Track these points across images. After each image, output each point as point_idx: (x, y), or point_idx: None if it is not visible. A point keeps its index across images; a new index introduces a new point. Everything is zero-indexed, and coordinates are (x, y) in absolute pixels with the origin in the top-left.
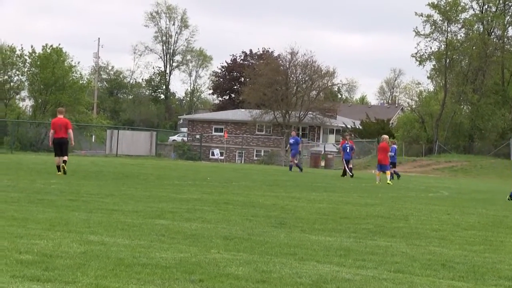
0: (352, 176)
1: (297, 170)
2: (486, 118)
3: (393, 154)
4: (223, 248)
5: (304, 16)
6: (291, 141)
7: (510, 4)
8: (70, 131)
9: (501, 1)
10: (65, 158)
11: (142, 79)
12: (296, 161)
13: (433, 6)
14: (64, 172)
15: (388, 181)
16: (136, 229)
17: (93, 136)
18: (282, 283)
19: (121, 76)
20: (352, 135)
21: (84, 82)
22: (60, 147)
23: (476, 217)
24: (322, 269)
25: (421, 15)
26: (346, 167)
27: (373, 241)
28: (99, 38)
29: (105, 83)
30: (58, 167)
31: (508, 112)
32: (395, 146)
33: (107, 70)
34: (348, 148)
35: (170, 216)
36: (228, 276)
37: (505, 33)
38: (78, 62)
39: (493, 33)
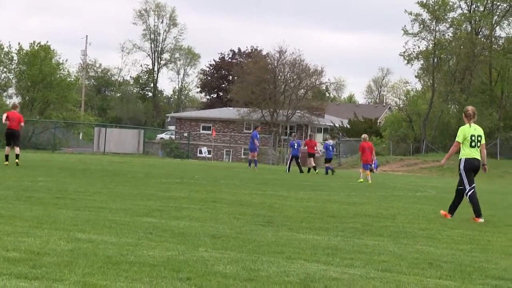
0: (301, 172)
1: (253, 167)
2: None
3: (324, 150)
4: (211, 246)
5: (293, 15)
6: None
7: (498, 3)
8: (22, 124)
9: (489, 1)
10: (17, 151)
11: (130, 77)
12: (249, 157)
13: (422, 5)
14: (17, 164)
15: (361, 179)
16: (124, 227)
17: (81, 134)
18: (270, 282)
19: (108, 73)
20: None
21: (72, 79)
22: (12, 138)
23: (463, 216)
24: (310, 267)
25: (410, 13)
26: (289, 163)
27: (361, 240)
28: (87, 36)
29: (92, 80)
30: (7, 157)
31: (495, 112)
32: (331, 142)
33: (95, 68)
34: (296, 144)
35: (158, 214)
36: (215, 274)
37: (493, 33)
38: (66, 60)
39: (481, 33)
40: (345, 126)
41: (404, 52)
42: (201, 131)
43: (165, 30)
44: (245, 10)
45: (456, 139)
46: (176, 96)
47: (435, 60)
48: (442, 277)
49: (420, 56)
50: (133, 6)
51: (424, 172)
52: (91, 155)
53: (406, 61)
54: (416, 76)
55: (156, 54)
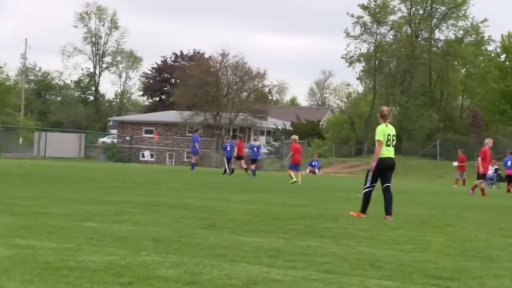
0: (230, 174)
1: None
2: (414, 119)
3: (248, 151)
4: (152, 250)
5: (236, 17)
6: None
7: (437, 7)
8: None
9: (428, 4)
10: None
11: (71, 81)
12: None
13: (364, 7)
14: None
15: (294, 179)
16: (65, 232)
17: (20, 139)
18: (213, 285)
19: (49, 77)
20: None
21: (11, 83)
22: None
23: (404, 217)
24: (252, 270)
25: (352, 16)
26: (226, 165)
27: (303, 241)
28: (26, 39)
29: (32, 84)
30: None
31: (435, 113)
32: (256, 143)
33: (35, 71)
34: (229, 147)
35: (99, 219)
36: (157, 278)
37: (432, 36)
38: (5, 63)
39: (420, 36)
40: (287, 128)
41: (346, 55)
42: (144, 135)
43: (106, 33)
44: (187, 13)
45: (377, 139)
46: (118, 100)
47: (376, 63)
48: (383, 277)
49: (361, 58)
50: (74, 9)
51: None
52: (31, 160)
53: (348, 64)
54: (357, 79)
55: (97, 57)
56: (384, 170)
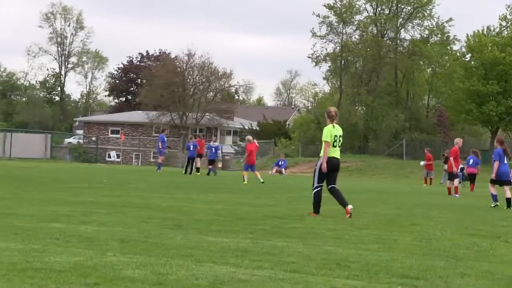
0: (191, 174)
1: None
2: (380, 119)
3: (207, 151)
4: (119, 251)
5: (202, 18)
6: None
7: (402, 6)
8: None
9: (393, 4)
10: None
11: (36, 81)
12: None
13: (329, 7)
14: None
15: (246, 182)
16: (30, 233)
17: None
18: (179, 285)
19: (14, 77)
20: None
21: None
22: None
23: (371, 216)
24: (219, 270)
25: (318, 15)
26: (195, 165)
27: (270, 241)
28: None
29: None
30: None
31: (401, 113)
32: (215, 144)
33: (0, 72)
34: (192, 146)
35: (65, 220)
36: (124, 279)
37: (398, 35)
38: None
39: (386, 35)
40: (254, 128)
41: (312, 54)
42: (110, 135)
43: (72, 33)
44: (153, 13)
45: (324, 139)
46: (84, 100)
47: (343, 62)
48: (350, 277)
49: (327, 58)
50: (39, 9)
51: None
52: None
53: (314, 63)
54: (324, 78)
55: (63, 57)
56: (330, 170)
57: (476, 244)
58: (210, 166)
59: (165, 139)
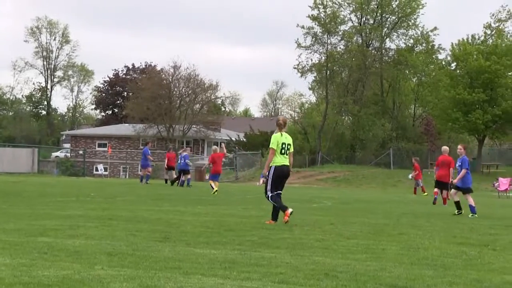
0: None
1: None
2: (367, 129)
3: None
4: (107, 264)
5: (187, 30)
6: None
7: (387, 16)
8: None
9: (378, 14)
10: None
11: (23, 95)
12: (141, 173)
13: (314, 18)
14: None
15: (216, 189)
16: (18, 248)
17: None
18: None
19: (0, 92)
20: (236, 147)
21: None
22: None
23: (358, 226)
24: (207, 282)
25: (303, 27)
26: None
27: (258, 252)
28: None
29: None
30: None
31: (387, 122)
32: (184, 153)
33: None
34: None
35: (53, 234)
36: None
37: (383, 45)
38: None
39: (371, 45)
40: (241, 139)
41: (297, 65)
42: (97, 148)
43: (57, 47)
44: (138, 26)
45: (271, 147)
46: (70, 114)
47: (328, 73)
48: (338, 286)
49: (313, 68)
50: (24, 24)
51: (320, 184)
52: None
53: (300, 74)
54: (310, 89)
55: (49, 71)
56: (281, 177)
57: (464, 253)
58: (183, 178)
59: (149, 152)
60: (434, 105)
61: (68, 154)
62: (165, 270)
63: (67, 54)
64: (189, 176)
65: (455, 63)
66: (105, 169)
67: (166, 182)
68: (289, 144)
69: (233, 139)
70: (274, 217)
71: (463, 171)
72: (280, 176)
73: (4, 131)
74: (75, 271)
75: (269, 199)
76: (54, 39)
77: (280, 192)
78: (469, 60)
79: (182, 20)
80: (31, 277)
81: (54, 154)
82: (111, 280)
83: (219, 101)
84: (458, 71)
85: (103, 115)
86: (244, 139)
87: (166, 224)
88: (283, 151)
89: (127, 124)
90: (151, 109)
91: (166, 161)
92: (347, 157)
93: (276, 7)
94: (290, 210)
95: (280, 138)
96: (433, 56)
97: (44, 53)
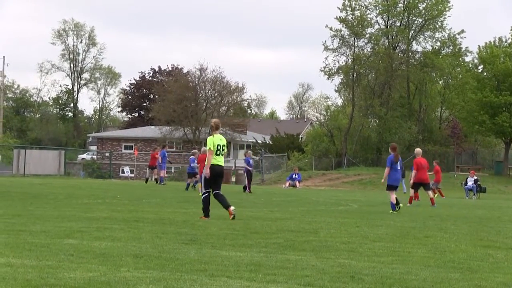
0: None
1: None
2: (393, 131)
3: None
4: (133, 266)
5: (213, 32)
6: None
7: (413, 19)
8: None
9: (405, 16)
10: None
11: (49, 98)
12: (161, 175)
13: (341, 20)
14: None
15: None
16: (44, 250)
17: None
18: None
19: (27, 94)
20: (262, 150)
21: None
22: None
23: (384, 228)
24: (233, 284)
25: (331, 29)
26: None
27: (284, 255)
28: (4, 57)
29: (11, 102)
30: None
31: (414, 125)
32: (192, 156)
33: (13, 89)
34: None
35: (79, 236)
36: None
37: (409, 47)
38: None
39: (398, 48)
40: (267, 142)
41: (324, 67)
42: (123, 151)
43: (84, 50)
44: (165, 28)
45: (208, 148)
46: (97, 116)
47: (355, 75)
48: None
49: (340, 71)
50: (51, 26)
51: (346, 186)
52: (10, 178)
53: (326, 76)
54: (336, 91)
55: (75, 74)
56: (215, 176)
57: (491, 256)
58: (188, 181)
59: (166, 154)
60: (461, 108)
61: (95, 156)
62: (191, 272)
63: (93, 57)
64: (195, 179)
65: (482, 66)
66: (131, 171)
67: (146, 181)
68: (224, 146)
69: (259, 141)
70: (206, 213)
71: (386, 169)
72: (213, 174)
73: (31, 133)
74: (101, 273)
75: (202, 198)
76: (81, 42)
77: (219, 191)
78: (496, 63)
79: (209, 23)
80: (57, 279)
81: (81, 156)
82: (137, 282)
83: (245, 104)
84: (485, 74)
85: (129, 118)
86: (270, 142)
87: (192, 226)
88: (218, 152)
89: (153, 127)
90: (177, 112)
91: (150, 160)
92: (373, 159)
93: (303, 10)
94: (208, 218)
95: (215, 140)
96: (460, 59)
97: (71, 56)
